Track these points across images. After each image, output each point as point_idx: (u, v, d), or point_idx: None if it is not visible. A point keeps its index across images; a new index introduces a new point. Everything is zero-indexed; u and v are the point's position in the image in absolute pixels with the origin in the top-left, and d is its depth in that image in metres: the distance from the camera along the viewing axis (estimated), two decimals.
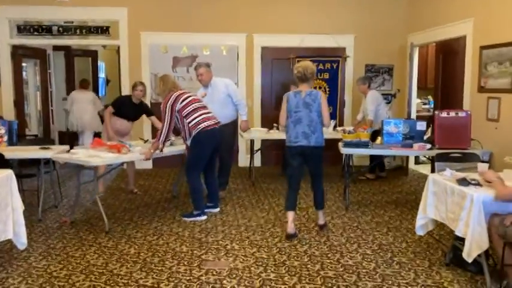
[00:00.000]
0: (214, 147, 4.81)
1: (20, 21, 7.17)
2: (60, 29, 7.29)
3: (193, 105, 4.69)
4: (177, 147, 5.11)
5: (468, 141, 4.86)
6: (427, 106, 8.58)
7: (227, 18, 7.28)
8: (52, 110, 8.43)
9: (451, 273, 3.40)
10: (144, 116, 5.87)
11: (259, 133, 6.48)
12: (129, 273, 3.42)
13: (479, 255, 3.07)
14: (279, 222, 4.65)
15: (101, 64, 10.32)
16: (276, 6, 7.35)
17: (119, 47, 7.39)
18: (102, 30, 7.31)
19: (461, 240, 3.19)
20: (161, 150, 4.75)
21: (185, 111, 4.64)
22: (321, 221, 4.42)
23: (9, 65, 7.14)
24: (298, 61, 7.20)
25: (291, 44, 7.39)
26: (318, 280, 3.30)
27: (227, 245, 4.01)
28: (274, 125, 6.57)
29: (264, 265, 3.56)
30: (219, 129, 4.82)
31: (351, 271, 3.46)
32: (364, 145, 4.99)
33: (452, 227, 3.25)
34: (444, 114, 4.92)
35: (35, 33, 7.24)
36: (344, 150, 5.04)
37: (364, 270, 3.47)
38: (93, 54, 9.67)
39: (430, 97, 8.52)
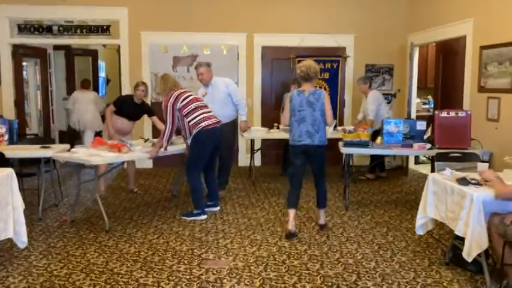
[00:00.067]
0: (214, 146, 4.82)
1: (21, 21, 7.17)
2: (61, 28, 7.29)
3: (193, 104, 4.70)
4: (177, 146, 5.11)
5: (468, 141, 4.86)
6: (427, 106, 8.58)
7: (227, 17, 7.29)
8: (52, 109, 8.44)
9: (450, 273, 3.41)
10: (145, 115, 5.87)
11: (259, 133, 6.48)
12: (130, 272, 3.42)
13: (479, 255, 3.08)
14: (279, 221, 4.66)
15: (101, 63, 10.33)
16: (276, 6, 7.36)
17: (119, 47, 7.39)
18: (103, 29, 7.31)
19: (461, 239, 3.20)
20: (165, 149, 4.77)
21: (185, 110, 4.64)
22: (322, 221, 4.43)
23: (9, 64, 7.14)
24: (298, 61, 7.22)
25: (291, 44, 7.39)
26: (318, 279, 3.31)
27: (227, 244, 4.02)
28: (275, 124, 6.58)
29: (264, 264, 3.57)
30: (220, 128, 4.83)
31: (350, 270, 3.47)
32: (364, 145, 5.00)
33: (452, 227, 3.25)
34: (444, 114, 4.92)
35: (36, 32, 7.24)
36: (344, 150, 5.05)
37: (364, 270, 3.48)
38: (93, 54, 9.68)
39: (430, 97, 8.52)
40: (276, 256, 3.73)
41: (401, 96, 7.58)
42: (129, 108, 5.60)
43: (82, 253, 3.79)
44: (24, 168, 5.28)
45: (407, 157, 7.15)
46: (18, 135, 5.46)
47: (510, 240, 2.93)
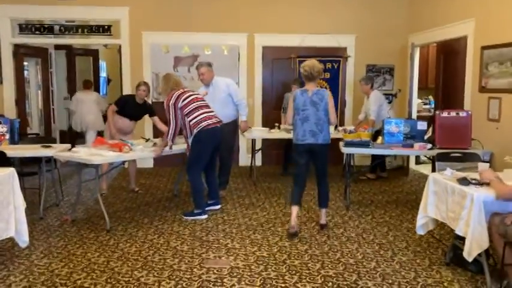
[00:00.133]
0: (215, 146, 4.82)
1: (22, 20, 7.19)
2: (62, 28, 7.30)
3: (194, 103, 4.70)
4: (178, 146, 5.11)
5: (469, 141, 4.87)
6: (427, 106, 8.59)
7: (228, 18, 7.30)
8: (53, 108, 8.44)
9: (451, 273, 3.41)
10: (146, 115, 5.87)
11: (260, 132, 6.49)
12: (130, 271, 3.43)
13: (479, 255, 3.08)
14: (279, 221, 4.66)
15: (102, 63, 10.33)
16: (277, 6, 7.36)
17: (120, 46, 7.40)
18: (104, 29, 7.32)
19: (462, 239, 3.20)
20: (171, 148, 4.78)
21: (186, 109, 4.65)
22: (323, 221, 4.43)
23: (11, 63, 7.15)
24: (299, 61, 7.23)
25: (292, 44, 7.40)
26: (319, 279, 3.31)
27: (228, 243, 4.02)
28: (276, 124, 6.59)
29: (264, 264, 3.57)
30: (220, 128, 4.84)
31: (351, 270, 3.47)
32: (365, 145, 5.00)
33: (452, 226, 3.25)
34: (445, 114, 4.93)
35: (37, 32, 7.26)
36: (345, 150, 5.05)
37: (364, 269, 3.48)
38: (94, 54, 9.69)
39: (430, 97, 8.53)
40: (276, 256, 3.74)
41: (402, 96, 7.58)
42: (131, 108, 5.60)
43: (83, 252, 3.80)
44: (26, 168, 5.29)
45: (408, 157, 7.15)
46: (19, 135, 5.48)
47: (510, 241, 2.93)
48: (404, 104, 7.47)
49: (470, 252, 3.05)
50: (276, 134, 6.38)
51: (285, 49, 7.42)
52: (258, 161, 7.45)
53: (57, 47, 8.42)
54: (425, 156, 6.20)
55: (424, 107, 8.55)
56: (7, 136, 4.99)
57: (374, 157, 6.38)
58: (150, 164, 7.42)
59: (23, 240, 3.62)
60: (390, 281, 3.27)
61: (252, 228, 4.45)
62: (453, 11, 6.12)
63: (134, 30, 7.21)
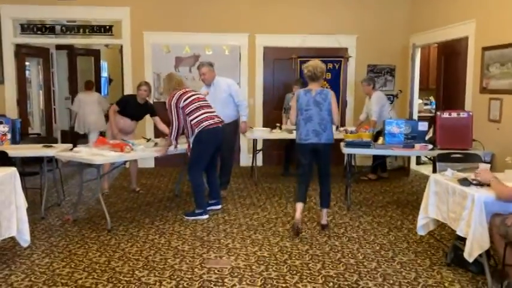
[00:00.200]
0: (216, 146, 4.83)
1: (23, 21, 7.20)
2: (63, 28, 7.32)
3: (196, 103, 4.71)
4: (180, 146, 5.11)
5: (470, 142, 4.87)
6: (428, 107, 8.59)
7: (229, 18, 7.30)
8: (55, 108, 8.47)
9: (452, 273, 3.41)
10: (147, 115, 5.88)
11: (262, 133, 6.50)
12: (132, 271, 3.44)
13: (480, 255, 3.08)
14: (280, 221, 4.67)
15: (104, 63, 10.34)
16: (278, 6, 7.37)
17: (121, 47, 7.41)
18: (105, 29, 7.33)
19: (463, 240, 3.20)
20: (175, 147, 4.79)
21: (188, 109, 4.66)
22: (324, 221, 4.44)
23: (12, 63, 7.17)
24: (300, 61, 7.25)
25: (293, 44, 7.40)
26: (319, 279, 3.31)
27: (229, 243, 4.03)
28: (277, 125, 6.60)
29: (265, 264, 3.58)
30: (222, 128, 4.84)
31: (352, 270, 3.47)
32: (366, 145, 5.01)
33: (453, 227, 3.26)
34: (446, 114, 4.93)
35: (38, 32, 7.27)
36: (346, 150, 5.06)
37: (365, 270, 3.48)
38: (95, 54, 9.70)
39: (431, 98, 8.53)
40: (277, 256, 3.74)
41: (403, 97, 7.57)
42: (132, 108, 5.61)
43: (84, 252, 3.81)
44: (27, 167, 5.31)
45: (408, 158, 7.16)
46: (20, 135, 5.49)
47: (511, 241, 2.93)
48: (405, 104, 7.47)
49: (471, 252, 3.05)
50: (278, 134, 6.39)
51: (286, 49, 7.43)
52: (259, 161, 7.45)
53: (59, 47, 8.45)
54: (426, 156, 6.21)
55: (425, 107, 8.55)
56: (9, 136, 5.00)
57: (375, 157, 6.38)
58: (151, 164, 7.43)
59: (25, 239, 3.64)
60: (391, 282, 3.27)
61: (253, 228, 4.46)
62: (454, 11, 6.12)
63: (135, 31, 7.22)
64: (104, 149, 4.62)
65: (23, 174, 4.64)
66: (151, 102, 6.24)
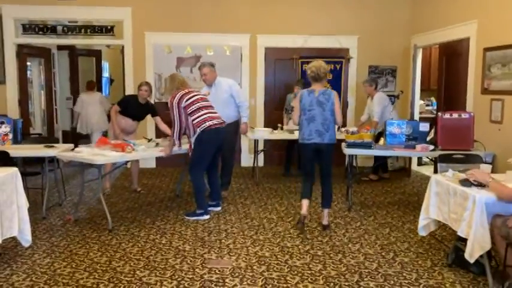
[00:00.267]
0: (217, 146, 4.84)
1: (25, 21, 7.21)
2: (65, 28, 7.33)
3: (198, 103, 4.72)
4: (183, 146, 5.11)
5: (471, 143, 4.86)
6: (430, 107, 8.58)
7: (231, 18, 7.31)
8: (56, 109, 8.48)
9: (453, 274, 3.41)
10: (149, 115, 5.89)
11: (263, 133, 6.50)
12: (133, 271, 3.44)
13: (481, 256, 3.08)
14: (281, 221, 4.67)
15: (105, 64, 10.35)
16: (279, 7, 7.37)
17: (123, 47, 7.42)
18: (107, 29, 7.34)
19: (464, 241, 3.20)
20: (179, 146, 4.80)
21: (190, 109, 4.67)
22: (325, 221, 4.44)
23: (14, 64, 7.18)
24: (301, 62, 7.26)
25: (295, 45, 7.41)
26: (320, 279, 3.31)
27: (230, 243, 4.03)
28: (279, 125, 6.60)
29: (266, 264, 3.58)
30: (223, 129, 4.85)
31: (353, 271, 3.47)
32: (367, 146, 5.01)
33: (454, 228, 3.25)
34: (447, 115, 4.93)
35: (40, 32, 7.28)
36: (347, 151, 5.06)
37: (366, 270, 3.48)
38: (97, 54, 9.71)
39: (433, 98, 8.52)
40: (278, 256, 3.74)
41: (405, 97, 7.57)
42: (133, 108, 5.62)
43: (85, 252, 3.81)
44: (28, 167, 5.32)
45: (410, 158, 7.15)
46: (22, 135, 5.50)
47: None
48: (407, 105, 7.46)
49: (472, 253, 3.05)
50: (279, 134, 6.39)
51: (287, 50, 7.43)
52: (260, 162, 7.44)
53: (60, 47, 8.46)
54: (427, 157, 6.20)
55: (427, 108, 8.54)
56: (10, 136, 5.01)
57: (376, 158, 6.38)
58: (152, 164, 7.44)
59: (26, 239, 3.65)
60: (392, 282, 3.27)
61: (254, 228, 4.46)
62: (455, 12, 6.12)
63: (137, 31, 7.22)
64: (105, 149, 4.63)
65: (24, 174, 4.64)
66: (152, 102, 6.25)
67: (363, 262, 3.64)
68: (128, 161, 5.74)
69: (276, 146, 7.21)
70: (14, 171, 3.57)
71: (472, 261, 3.10)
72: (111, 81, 10.52)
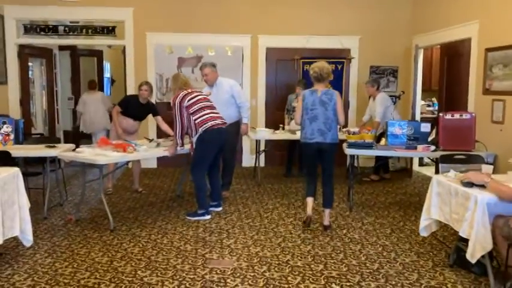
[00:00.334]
0: (219, 146, 4.84)
1: (27, 21, 7.23)
2: (66, 28, 7.34)
3: (200, 103, 4.73)
4: (186, 146, 5.12)
5: (472, 143, 4.86)
6: (431, 108, 8.57)
7: (232, 19, 7.31)
8: (57, 109, 8.49)
9: (454, 274, 3.40)
10: (150, 115, 5.89)
11: (265, 133, 6.50)
12: (134, 271, 3.44)
13: (483, 257, 3.08)
14: (282, 222, 4.67)
15: (106, 64, 10.37)
16: (280, 7, 7.38)
17: (124, 47, 7.43)
18: (108, 30, 7.36)
19: (465, 241, 3.19)
20: (182, 146, 4.81)
21: (192, 109, 4.68)
22: (326, 222, 4.43)
23: (15, 64, 7.19)
24: (303, 62, 7.26)
25: (296, 45, 7.41)
26: (322, 280, 3.31)
27: (231, 244, 4.03)
28: (280, 125, 6.60)
29: (267, 264, 3.58)
30: (225, 129, 4.85)
31: (354, 271, 3.47)
32: (368, 146, 5.01)
33: (456, 228, 3.25)
34: (448, 116, 4.92)
35: (42, 33, 7.30)
36: (348, 151, 5.06)
37: (367, 271, 3.48)
38: (98, 54, 9.72)
39: (434, 99, 8.51)
40: (279, 256, 3.74)
41: (406, 98, 7.56)
42: (134, 108, 5.63)
43: (87, 252, 3.81)
44: (30, 168, 5.33)
45: (411, 159, 7.14)
46: (23, 135, 5.50)
47: None
48: (408, 105, 7.45)
49: (473, 254, 3.05)
50: (281, 135, 6.39)
51: (288, 50, 7.43)
52: (261, 162, 7.45)
53: (62, 48, 8.48)
54: (429, 158, 6.20)
55: (428, 108, 8.53)
56: (12, 136, 5.01)
57: (377, 158, 6.38)
58: (153, 164, 7.45)
59: (27, 239, 3.65)
60: (393, 283, 3.27)
61: (255, 228, 4.46)
62: (457, 13, 6.12)
63: (138, 31, 7.23)
64: (107, 149, 4.63)
65: (25, 174, 4.63)
66: (153, 102, 6.25)
67: (364, 262, 3.64)
68: (129, 161, 5.75)
69: (277, 146, 7.21)
70: (16, 171, 3.57)
71: (473, 261, 3.09)
72: (113, 81, 10.53)
